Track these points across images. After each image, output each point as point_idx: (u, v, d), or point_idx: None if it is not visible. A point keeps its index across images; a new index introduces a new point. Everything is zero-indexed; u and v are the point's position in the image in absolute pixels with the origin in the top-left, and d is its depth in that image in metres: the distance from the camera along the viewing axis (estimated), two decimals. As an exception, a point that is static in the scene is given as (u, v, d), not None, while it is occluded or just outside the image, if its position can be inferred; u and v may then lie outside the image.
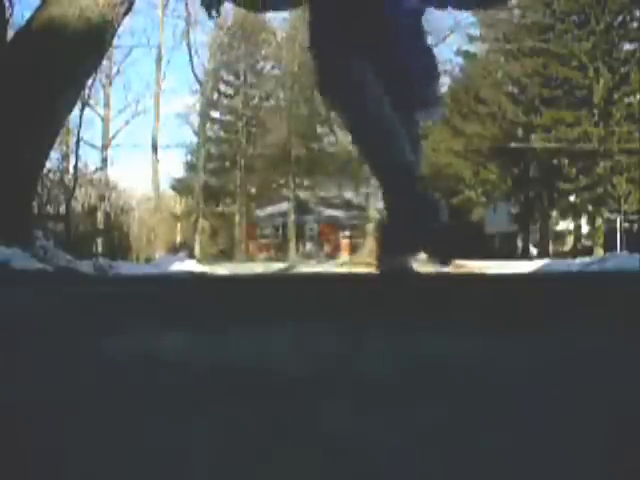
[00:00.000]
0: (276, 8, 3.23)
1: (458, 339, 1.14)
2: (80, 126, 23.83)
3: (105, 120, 30.26)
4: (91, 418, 0.70)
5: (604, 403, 0.74)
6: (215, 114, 36.89)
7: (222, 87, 36.45)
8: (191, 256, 19.26)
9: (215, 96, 35.92)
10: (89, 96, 24.61)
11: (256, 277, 3.93)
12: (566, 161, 27.64)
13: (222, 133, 37.01)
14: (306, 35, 2.72)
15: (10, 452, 0.61)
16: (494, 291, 2.19)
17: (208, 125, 35.62)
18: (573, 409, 0.72)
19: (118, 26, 6.29)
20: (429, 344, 1.10)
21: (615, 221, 26.38)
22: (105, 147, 29.60)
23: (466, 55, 32.47)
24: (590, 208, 27.29)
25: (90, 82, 21.02)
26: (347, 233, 35.79)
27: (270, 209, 37.18)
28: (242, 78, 35.17)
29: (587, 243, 28.99)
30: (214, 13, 2.74)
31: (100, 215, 25.21)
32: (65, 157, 22.84)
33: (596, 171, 26.02)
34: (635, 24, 27.07)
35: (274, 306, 1.75)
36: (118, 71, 29.95)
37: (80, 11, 5.70)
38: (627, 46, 27.18)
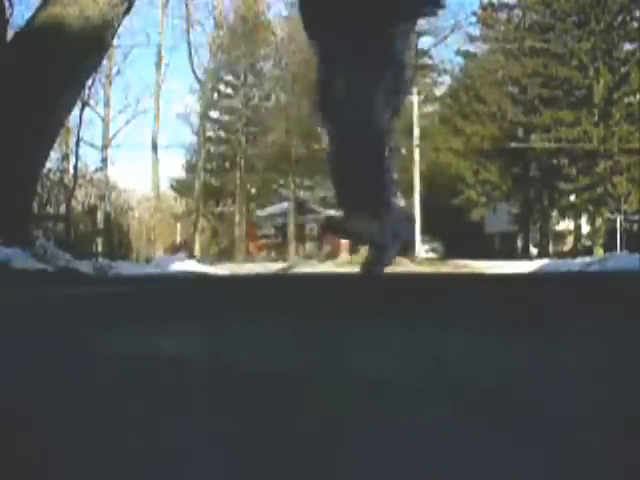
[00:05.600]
0: None
1: (458, 338, 1.14)
2: (80, 126, 23.87)
3: (105, 120, 30.24)
4: (91, 417, 0.70)
5: (604, 402, 0.74)
6: (215, 114, 36.89)
7: (222, 87, 36.45)
8: (191, 256, 19.26)
9: (215, 96, 35.91)
10: (89, 96, 24.63)
11: (256, 277, 3.92)
12: (566, 161, 27.64)
13: (222, 133, 36.99)
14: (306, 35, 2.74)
15: (10, 452, 0.60)
16: (494, 291, 2.19)
17: (208, 125, 35.61)
18: (573, 408, 0.72)
19: (118, 26, 6.29)
20: (429, 343, 1.10)
21: (615, 221, 26.37)
22: (105, 147, 29.58)
23: (466, 55, 32.47)
24: (590, 208, 27.29)
25: (90, 82, 21.04)
26: (347, 233, 35.71)
27: (270, 209, 37.16)
28: (242, 78, 35.16)
29: (587, 243, 28.99)
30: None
31: (100, 215, 25.20)
32: (65, 157, 22.85)
33: (596, 171, 26.02)
34: (635, 24, 27.07)
35: (274, 306, 1.75)
36: (118, 71, 29.92)
37: (80, 11, 5.69)
38: (627, 46, 27.19)
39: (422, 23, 31.48)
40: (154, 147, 31.31)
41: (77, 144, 23.34)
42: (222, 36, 32.80)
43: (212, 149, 36.60)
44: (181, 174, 38.34)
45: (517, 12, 30.58)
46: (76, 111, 20.96)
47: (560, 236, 32.90)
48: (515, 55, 28.70)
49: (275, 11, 34.71)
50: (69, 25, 5.67)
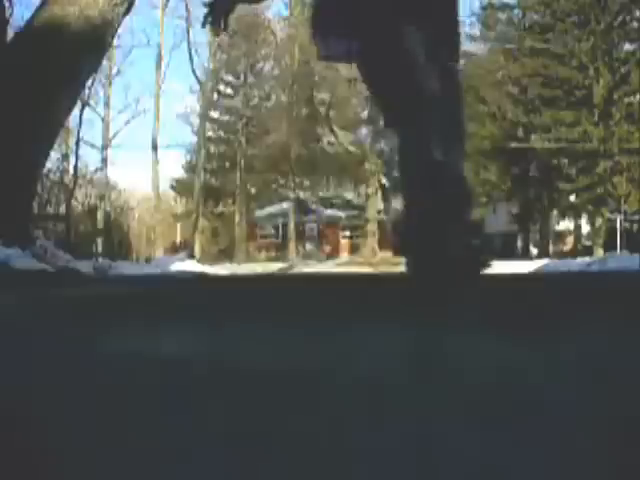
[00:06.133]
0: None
1: (458, 338, 1.14)
2: (80, 126, 23.90)
3: (105, 120, 30.23)
4: (91, 417, 0.70)
5: (604, 402, 0.74)
6: (215, 114, 36.88)
7: (222, 87, 36.46)
8: (191, 256, 19.26)
9: (215, 96, 35.91)
10: (89, 96, 24.65)
11: (256, 277, 3.92)
12: (566, 161, 27.62)
13: (222, 133, 36.99)
14: (309, 35, 2.67)
15: (10, 452, 0.60)
16: (494, 291, 2.19)
17: (208, 125, 35.61)
18: (573, 408, 0.72)
19: (118, 26, 6.29)
20: (429, 343, 1.10)
21: (615, 221, 26.35)
22: (105, 147, 29.57)
23: (466, 55, 32.46)
24: (590, 208, 27.27)
25: (90, 82, 21.04)
26: (347, 233, 35.80)
27: (270, 209, 37.17)
28: (242, 78, 35.17)
29: (587, 243, 28.98)
30: (221, 29, 2.66)
31: (100, 215, 25.21)
32: (65, 157, 22.87)
33: (596, 171, 26.00)
34: (635, 24, 27.05)
35: (273, 306, 1.75)
36: (118, 71, 29.94)
37: (80, 11, 5.69)
38: (627, 46, 27.18)
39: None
40: (154, 147, 31.34)
41: (77, 144, 23.38)
42: (222, 36, 32.77)
43: (212, 149, 36.60)
44: (181, 174, 38.37)
45: (517, 12, 30.58)
46: (76, 111, 20.99)
47: (560, 236, 32.89)
48: (515, 55, 28.69)
49: (275, 11, 34.79)
50: (69, 25, 5.67)
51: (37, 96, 5.53)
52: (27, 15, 6.56)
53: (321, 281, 2.99)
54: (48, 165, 13.34)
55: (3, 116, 5.41)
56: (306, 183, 35.66)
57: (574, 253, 26.02)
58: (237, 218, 34.87)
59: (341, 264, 25.35)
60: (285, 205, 35.01)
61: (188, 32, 31.35)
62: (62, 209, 18.64)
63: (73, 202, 20.52)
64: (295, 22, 30.98)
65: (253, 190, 36.85)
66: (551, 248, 30.76)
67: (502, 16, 30.78)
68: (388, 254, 32.28)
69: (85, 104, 23.79)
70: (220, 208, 36.57)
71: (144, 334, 1.23)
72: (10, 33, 6.95)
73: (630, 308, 1.59)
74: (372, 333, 1.21)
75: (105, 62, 24.46)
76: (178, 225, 39.06)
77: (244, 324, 1.35)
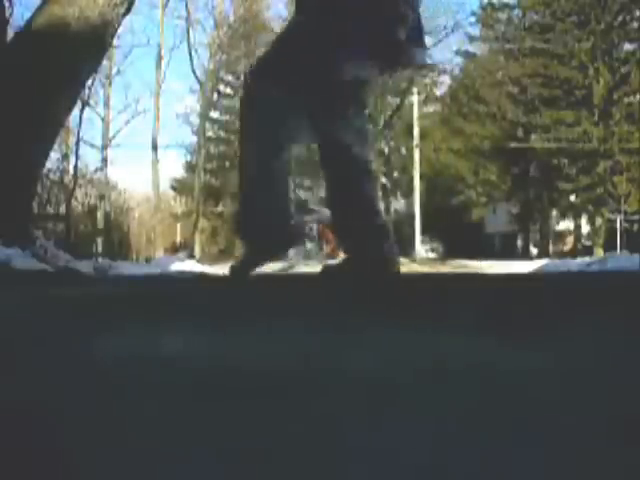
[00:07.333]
0: None
1: (457, 338, 1.14)
2: (80, 126, 23.87)
3: (105, 120, 30.21)
4: (91, 418, 0.70)
5: (604, 403, 0.74)
6: (215, 114, 36.87)
7: (222, 87, 36.45)
8: (191, 256, 19.25)
9: (215, 96, 35.90)
10: (89, 96, 24.62)
11: (256, 277, 3.90)
12: (566, 161, 27.62)
13: (222, 133, 36.97)
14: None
15: (10, 452, 0.60)
16: (494, 291, 2.19)
17: (208, 125, 35.59)
18: (573, 408, 0.72)
19: (118, 26, 6.29)
20: (428, 343, 1.10)
21: (615, 221, 26.35)
22: (105, 147, 29.55)
23: (466, 55, 32.47)
24: (590, 208, 27.28)
25: (90, 82, 21.04)
26: (347, 233, 35.67)
27: (270, 209, 37.09)
28: (242, 78, 35.16)
29: (587, 243, 28.98)
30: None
31: (100, 215, 25.19)
32: (65, 157, 22.84)
33: (596, 171, 26.00)
34: (635, 24, 27.05)
35: (274, 306, 1.75)
36: (118, 71, 29.90)
37: (80, 11, 5.69)
38: (627, 46, 27.18)
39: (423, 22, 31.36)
40: (154, 147, 31.31)
41: (77, 144, 23.35)
42: (222, 36, 32.77)
43: (212, 149, 36.59)
44: (181, 174, 38.37)
45: (517, 12, 30.59)
46: (76, 111, 20.97)
47: (560, 236, 32.90)
48: (515, 55, 28.69)
49: (275, 11, 34.75)
50: (69, 25, 5.66)
51: (37, 96, 5.53)
52: (27, 15, 6.56)
53: (321, 281, 2.99)
54: (48, 165, 13.33)
55: (3, 116, 5.41)
56: (306, 183, 35.65)
57: (574, 253, 26.02)
58: (237, 218, 34.78)
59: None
60: (285, 205, 34.93)
61: (188, 32, 31.30)
62: (62, 209, 18.62)
63: (73, 202, 20.50)
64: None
65: (253, 190, 36.77)
66: (551, 248, 30.76)
67: (502, 16, 30.80)
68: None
69: (85, 104, 23.76)
70: (220, 208, 36.55)
71: (144, 334, 1.23)
72: (10, 33, 6.94)
73: (630, 308, 1.59)
74: (372, 333, 1.21)
75: (105, 62, 24.44)
76: (178, 225, 39.04)
77: (244, 324, 1.35)
